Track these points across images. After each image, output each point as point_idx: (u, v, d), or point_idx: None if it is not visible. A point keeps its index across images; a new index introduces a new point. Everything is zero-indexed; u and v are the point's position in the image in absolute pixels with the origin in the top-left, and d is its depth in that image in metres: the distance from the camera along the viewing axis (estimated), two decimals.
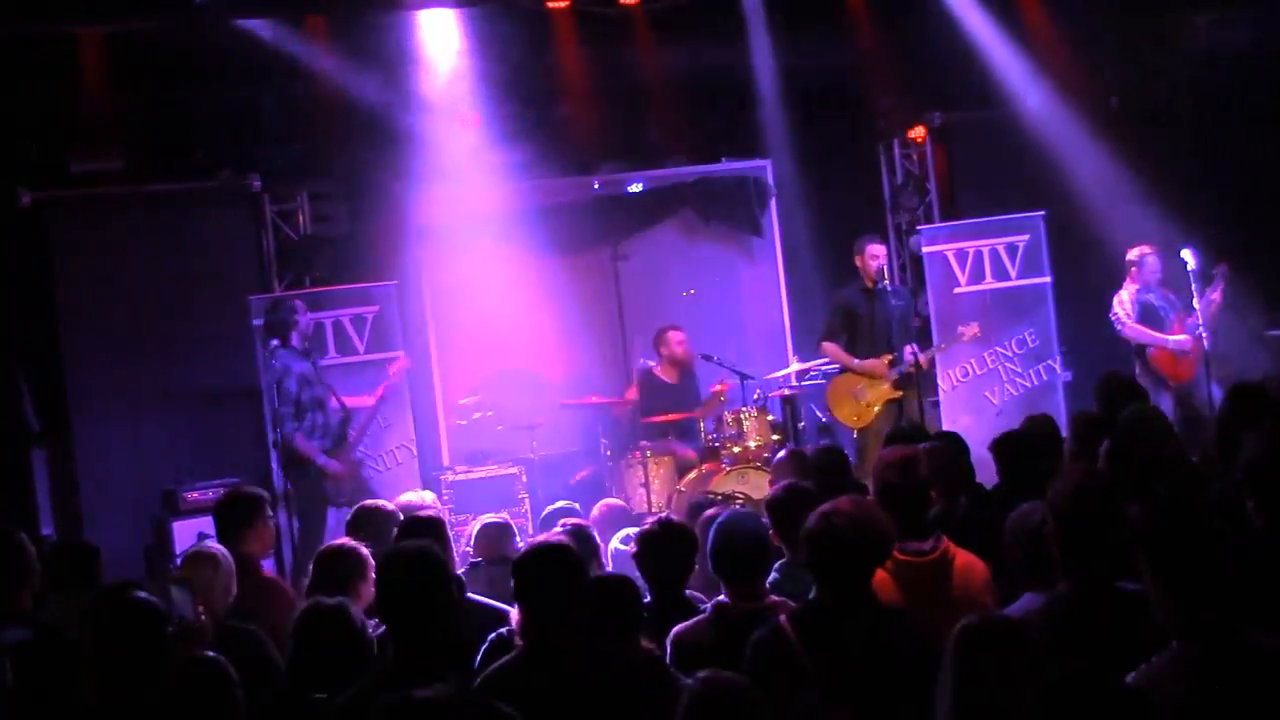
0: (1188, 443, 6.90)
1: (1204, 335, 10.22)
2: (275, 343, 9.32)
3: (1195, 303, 10.28)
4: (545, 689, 3.99)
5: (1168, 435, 6.44)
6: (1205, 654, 3.36)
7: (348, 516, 6.51)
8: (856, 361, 10.54)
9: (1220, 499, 4.90)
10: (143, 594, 4.27)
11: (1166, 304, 10.73)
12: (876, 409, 10.43)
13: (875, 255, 10.54)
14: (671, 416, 10.53)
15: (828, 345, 10.69)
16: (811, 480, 5.96)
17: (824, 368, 11.13)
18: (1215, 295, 10.40)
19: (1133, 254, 10.81)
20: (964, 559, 4.68)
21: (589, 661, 4.08)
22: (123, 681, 4.01)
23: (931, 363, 10.97)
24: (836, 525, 4.12)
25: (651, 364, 11.01)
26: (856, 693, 3.96)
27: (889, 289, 10.56)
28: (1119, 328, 10.78)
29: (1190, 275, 10.31)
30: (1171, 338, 10.59)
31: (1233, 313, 10.82)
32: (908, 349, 10.30)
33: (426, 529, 5.36)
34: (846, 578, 4.13)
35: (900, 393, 10.42)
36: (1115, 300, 10.81)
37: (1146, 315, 10.71)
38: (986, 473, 6.78)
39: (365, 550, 5.29)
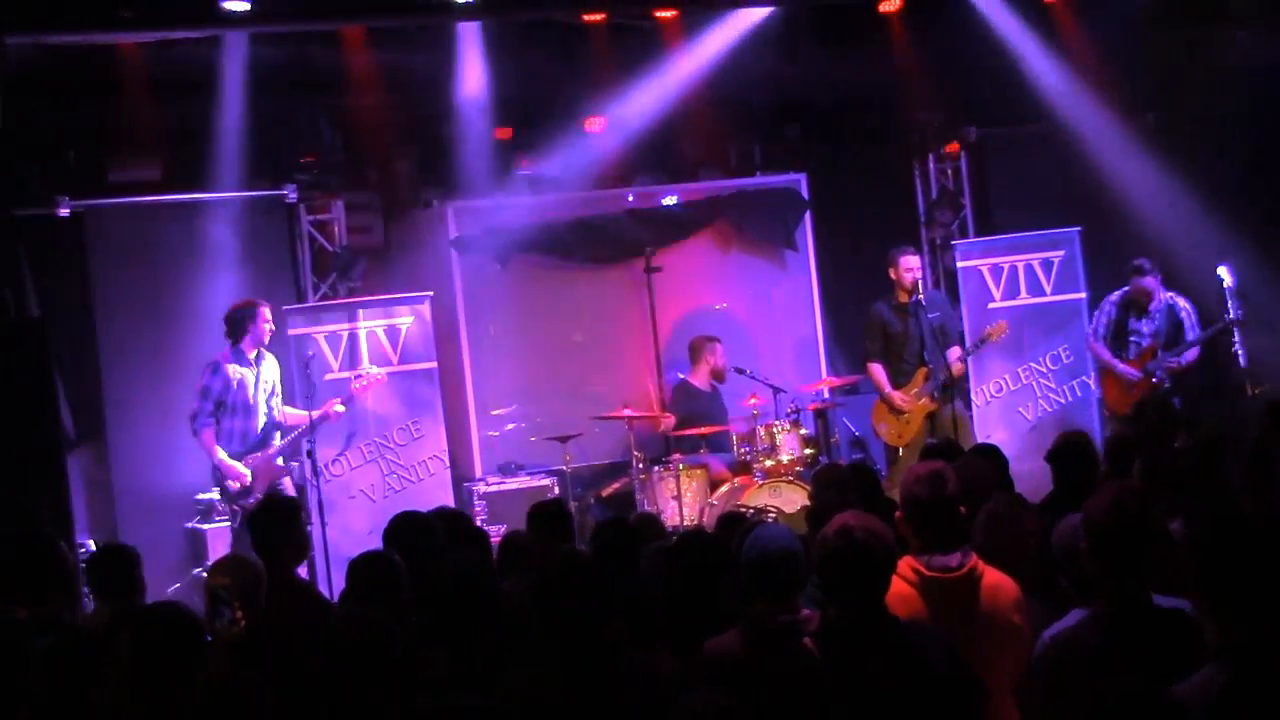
0: None
1: (1163, 379, 10.20)
2: (228, 342, 9.54)
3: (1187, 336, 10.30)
4: (571, 701, 3.99)
5: (1223, 457, 6.41)
6: (1245, 673, 3.34)
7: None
8: (895, 395, 10.46)
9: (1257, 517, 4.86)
10: (180, 608, 4.29)
11: (1147, 326, 10.52)
12: (915, 425, 10.38)
13: (910, 268, 10.44)
14: (705, 430, 10.52)
15: (873, 366, 10.62)
16: (843, 495, 5.95)
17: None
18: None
19: (1130, 266, 10.63)
20: (993, 576, 4.66)
21: (615, 674, 4.07)
22: (161, 695, 4.03)
23: (964, 371, 10.82)
24: (859, 540, 4.11)
25: (682, 375, 11.01)
26: (884, 710, 3.95)
27: (923, 301, 10.40)
28: (1089, 337, 10.71)
29: (1227, 292, 10.26)
30: (1120, 365, 10.48)
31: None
32: (952, 352, 10.25)
33: (471, 540, 5.38)
34: (871, 592, 4.12)
35: (935, 405, 10.36)
36: (1101, 303, 10.72)
37: (1118, 329, 10.57)
38: (1020, 486, 6.76)
39: (398, 558, 5.30)
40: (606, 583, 4.24)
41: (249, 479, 9.36)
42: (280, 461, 9.59)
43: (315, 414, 9.71)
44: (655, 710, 3.91)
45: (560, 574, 4.26)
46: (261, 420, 9.55)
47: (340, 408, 9.83)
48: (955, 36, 11.43)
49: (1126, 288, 10.60)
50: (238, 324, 9.52)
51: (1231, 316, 10.22)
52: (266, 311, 9.63)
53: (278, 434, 9.62)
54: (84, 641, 4.83)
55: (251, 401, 9.49)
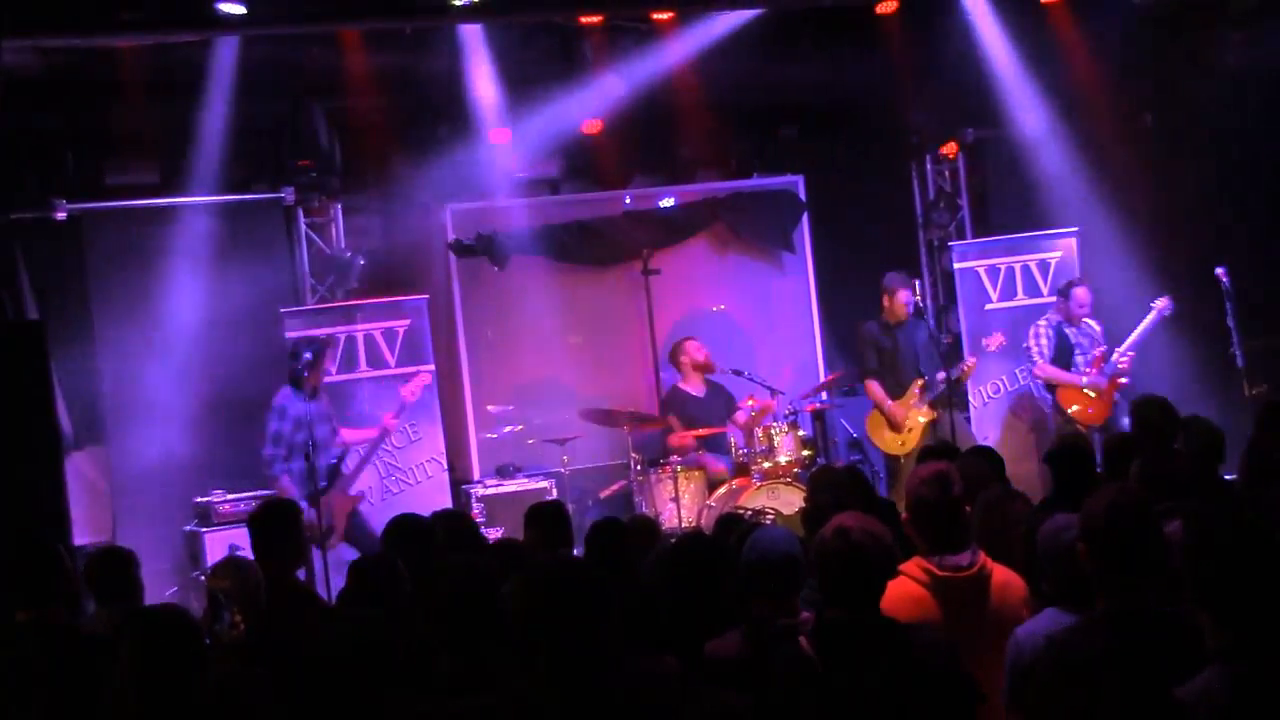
0: None
1: (1121, 378, 10.24)
2: (289, 385, 9.48)
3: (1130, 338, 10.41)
4: (571, 703, 3.99)
5: (1218, 453, 6.43)
6: (1247, 675, 3.34)
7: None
8: (888, 405, 10.55)
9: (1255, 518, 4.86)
10: (181, 612, 4.30)
11: (1087, 339, 10.61)
12: (917, 435, 10.41)
13: (907, 301, 10.58)
14: (703, 432, 10.52)
15: (871, 384, 10.71)
16: (838, 496, 5.96)
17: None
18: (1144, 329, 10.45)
19: (1062, 284, 10.83)
20: (1002, 574, 4.69)
21: (614, 676, 4.07)
22: (161, 698, 4.03)
23: (975, 367, 10.82)
24: (856, 542, 4.11)
25: (675, 381, 11.01)
26: (880, 712, 3.95)
27: (910, 320, 10.57)
28: (1032, 365, 10.72)
29: (1224, 294, 10.26)
30: (1083, 378, 10.50)
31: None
32: (940, 376, 10.31)
33: (470, 542, 5.38)
34: (869, 593, 4.13)
35: (935, 414, 10.39)
36: (1030, 331, 10.75)
37: (1061, 350, 10.62)
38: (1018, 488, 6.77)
39: (398, 561, 5.30)
40: (596, 586, 4.21)
41: (318, 520, 9.11)
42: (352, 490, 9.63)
43: (375, 433, 9.81)
44: (657, 712, 3.91)
45: (545, 580, 4.23)
46: (327, 454, 9.46)
47: (395, 420, 9.92)
48: (952, 38, 11.44)
49: (1054, 312, 10.76)
50: (312, 362, 9.44)
51: (1153, 312, 10.43)
52: (321, 344, 9.69)
53: (341, 463, 9.56)
54: (84, 645, 4.83)
55: (317, 439, 9.33)
